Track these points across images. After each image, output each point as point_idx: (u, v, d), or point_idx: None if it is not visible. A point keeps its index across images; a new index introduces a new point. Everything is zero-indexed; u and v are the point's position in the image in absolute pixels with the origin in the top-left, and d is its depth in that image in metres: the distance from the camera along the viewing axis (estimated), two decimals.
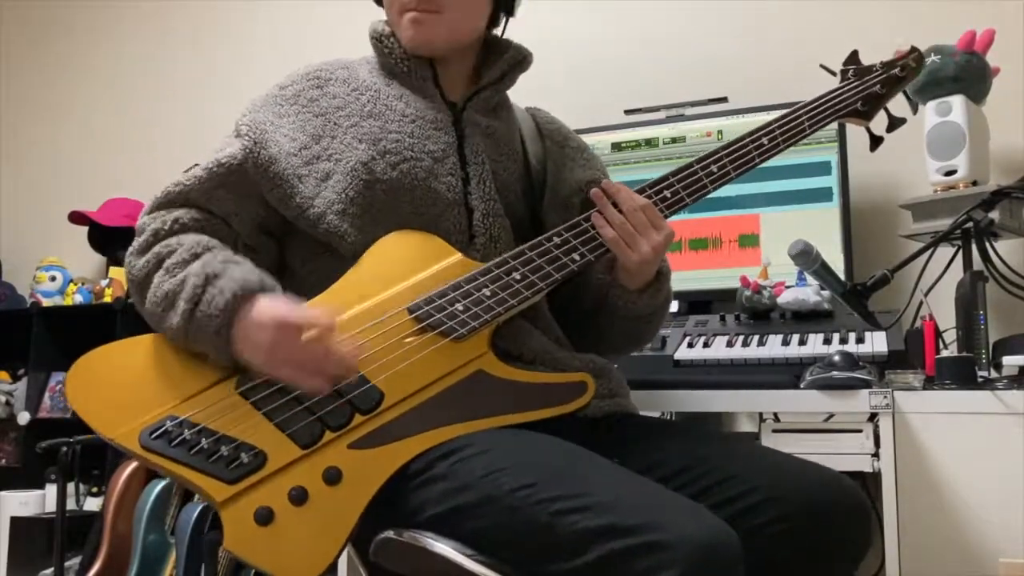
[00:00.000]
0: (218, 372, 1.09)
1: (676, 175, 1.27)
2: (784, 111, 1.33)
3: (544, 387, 1.14)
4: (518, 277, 1.18)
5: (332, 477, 1.00)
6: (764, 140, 1.30)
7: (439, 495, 1.01)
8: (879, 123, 1.40)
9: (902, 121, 1.40)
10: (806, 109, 1.33)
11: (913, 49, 1.41)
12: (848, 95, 1.36)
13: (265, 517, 0.97)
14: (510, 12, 1.37)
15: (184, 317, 1.08)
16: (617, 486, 0.96)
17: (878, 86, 1.37)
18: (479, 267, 1.19)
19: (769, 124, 1.31)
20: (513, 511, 0.96)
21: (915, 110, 1.37)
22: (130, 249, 1.21)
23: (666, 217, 1.25)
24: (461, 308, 1.14)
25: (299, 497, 0.99)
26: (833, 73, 1.41)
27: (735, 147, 1.29)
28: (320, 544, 0.97)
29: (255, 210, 1.24)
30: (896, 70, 1.38)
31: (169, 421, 1.03)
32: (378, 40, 1.33)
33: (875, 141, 1.40)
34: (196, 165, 1.25)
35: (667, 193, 1.26)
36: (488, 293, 1.16)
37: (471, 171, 1.26)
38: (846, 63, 1.40)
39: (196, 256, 1.15)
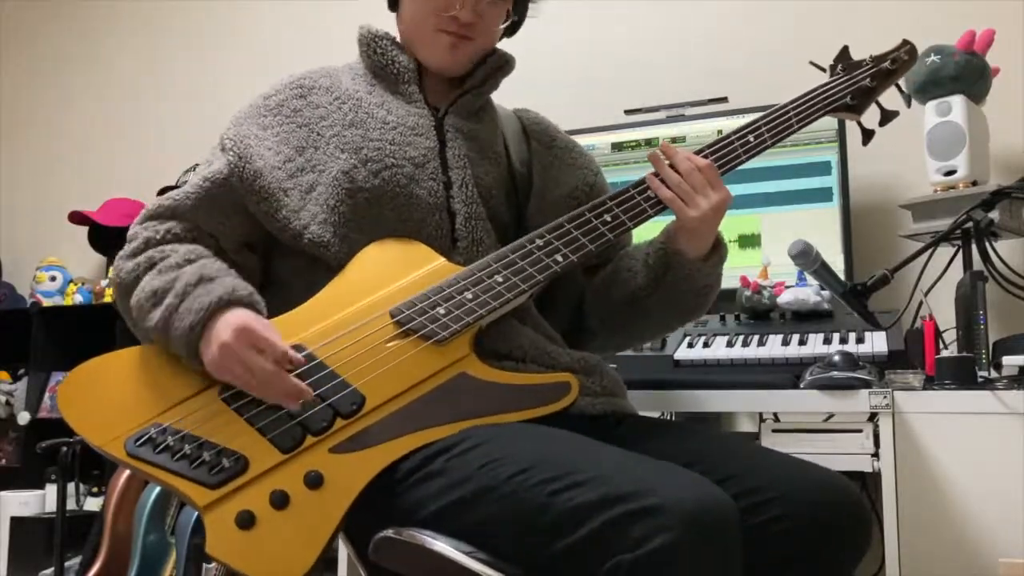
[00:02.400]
0: (203, 380, 1.10)
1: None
2: (771, 108, 1.31)
3: (527, 388, 1.14)
4: (500, 280, 1.17)
5: (313, 481, 1.00)
6: (750, 137, 1.28)
7: (437, 490, 1.02)
8: (871, 117, 1.38)
9: (894, 114, 1.39)
10: (794, 105, 1.32)
11: (904, 42, 1.39)
12: (836, 90, 1.35)
13: (246, 521, 0.97)
14: (512, 34, 1.39)
15: (168, 310, 1.10)
16: (610, 461, 0.97)
17: (868, 80, 1.35)
18: (461, 271, 1.19)
19: (756, 121, 1.30)
20: (511, 497, 0.96)
21: (908, 103, 1.36)
22: (120, 254, 1.22)
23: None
24: (443, 311, 1.14)
25: (280, 501, 0.99)
26: (823, 69, 1.40)
27: (720, 145, 1.28)
28: (301, 548, 0.98)
29: (241, 226, 1.25)
30: (887, 63, 1.37)
31: (153, 428, 1.04)
32: (371, 40, 1.34)
33: (866, 135, 1.38)
34: (191, 168, 1.26)
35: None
36: (470, 296, 1.16)
37: (453, 175, 1.26)
38: (836, 59, 1.39)
39: (190, 261, 1.17)
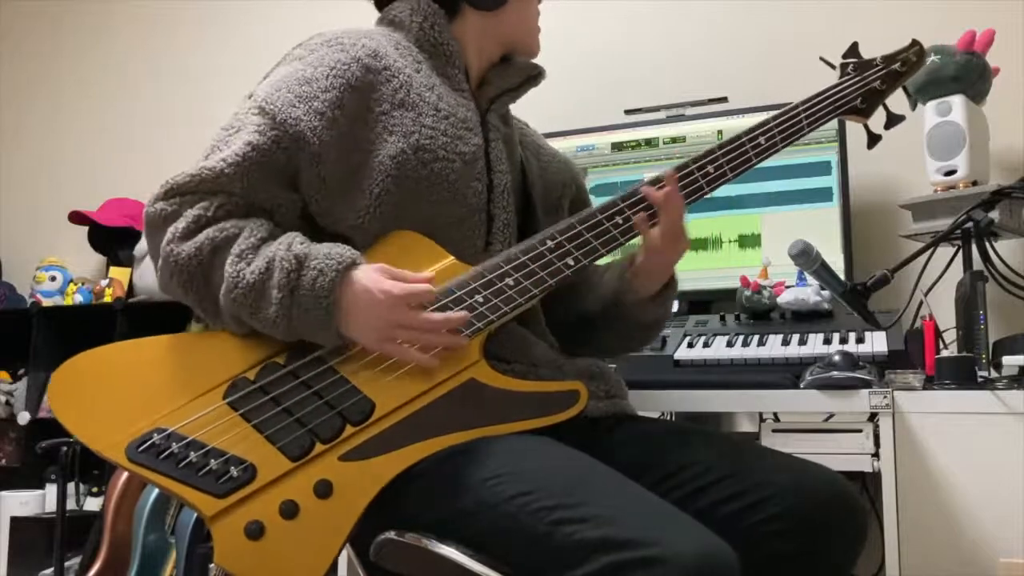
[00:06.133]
0: (206, 381, 1.06)
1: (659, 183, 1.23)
2: (782, 109, 1.28)
3: (536, 396, 1.12)
4: (511, 283, 1.14)
5: (323, 490, 0.99)
6: (761, 140, 1.25)
7: (439, 498, 1.01)
8: (877, 120, 1.35)
9: (900, 118, 1.36)
10: (805, 107, 1.28)
11: (914, 43, 1.35)
12: (848, 91, 1.30)
13: (255, 532, 0.95)
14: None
15: (283, 304, 1.04)
16: (616, 497, 0.95)
17: (878, 82, 1.31)
18: (470, 271, 1.15)
19: (766, 122, 1.26)
20: (511, 518, 0.95)
21: (914, 106, 1.35)
22: (168, 236, 1.10)
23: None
24: None
25: (290, 511, 0.97)
26: (833, 66, 1.36)
27: (732, 147, 1.25)
28: (310, 558, 0.96)
29: (287, 196, 1.15)
30: (896, 64, 1.32)
31: (156, 433, 1.00)
32: (426, 12, 1.26)
33: (873, 139, 1.35)
34: (216, 148, 1.17)
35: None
36: (481, 300, 1.12)
37: (495, 179, 1.22)
38: (846, 55, 1.34)
39: (267, 239, 1.09)
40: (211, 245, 1.08)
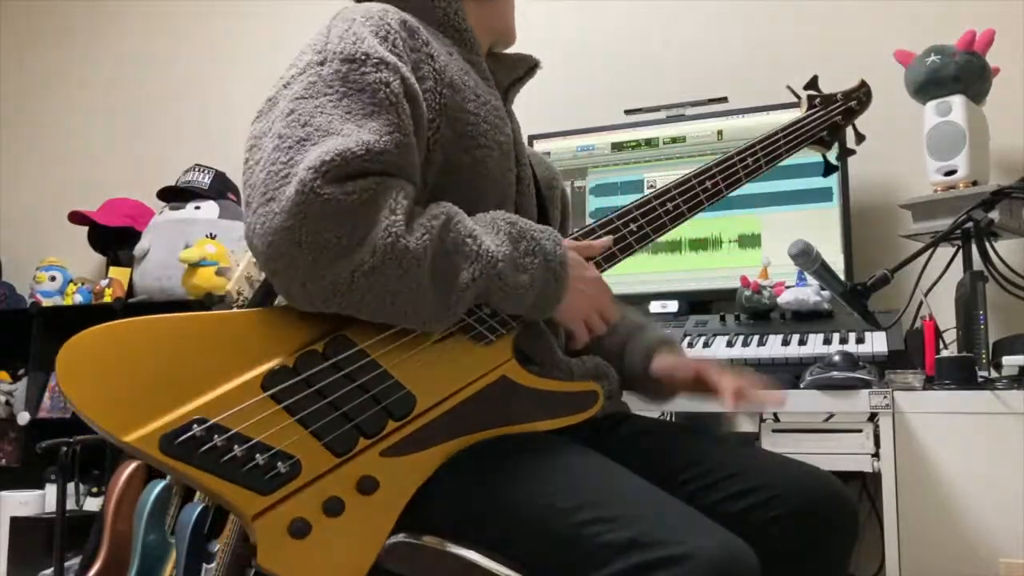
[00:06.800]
0: (239, 368, 0.96)
1: (661, 197, 1.25)
2: (761, 137, 1.36)
3: (560, 395, 1.13)
4: None
5: (367, 486, 0.96)
6: (749, 160, 1.34)
7: (458, 500, 1.00)
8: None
9: (852, 152, 1.50)
10: (783, 134, 1.37)
11: (862, 83, 1.50)
12: (816, 123, 1.43)
13: (301, 530, 0.91)
14: None
15: (538, 267, 1.05)
16: (639, 498, 0.95)
17: (839, 117, 1.45)
18: None
19: (752, 146, 1.34)
20: (534, 519, 0.95)
21: (859, 142, 1.47)
22: (392, 232, 0.95)
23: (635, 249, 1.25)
24: (488, 312, 1.09)
25: (335, 508, 0.94)
26: (798, 96, 1.47)
27: (726, 165, 1.31)
28: (355, 555, 0.94)
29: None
30: (853, 103, 1.47)
31: (196, 424, 0.90)
32: (452, 0, 1.22)
33: (830, 168, 1.49)
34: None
35: (668, 206, 1.24)
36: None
37: (521, 171, 1.21)
38: (807, 87, 1.46)
39: (480, 223, 1.06)
40: (432, 231, 0.98)
